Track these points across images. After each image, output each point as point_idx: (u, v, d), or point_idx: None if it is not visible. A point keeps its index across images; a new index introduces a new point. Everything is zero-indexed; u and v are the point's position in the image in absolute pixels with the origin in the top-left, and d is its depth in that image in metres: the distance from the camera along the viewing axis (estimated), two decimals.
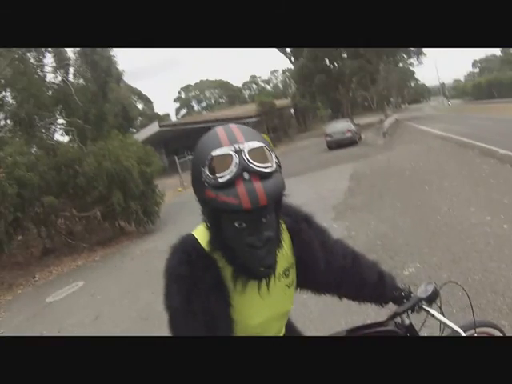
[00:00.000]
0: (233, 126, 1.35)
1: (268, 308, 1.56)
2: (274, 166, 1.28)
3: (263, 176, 1.23)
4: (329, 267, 1.70)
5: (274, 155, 1.31)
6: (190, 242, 1.47)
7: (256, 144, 1.27)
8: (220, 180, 1.21)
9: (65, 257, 12.64)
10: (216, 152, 1.24)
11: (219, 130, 1.34)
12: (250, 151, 1.24)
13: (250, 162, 1.22)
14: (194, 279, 1.38)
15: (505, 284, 4.84)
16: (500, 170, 10.98)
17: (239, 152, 1.23)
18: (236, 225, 1.30)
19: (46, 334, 6.75)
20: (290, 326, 1.93)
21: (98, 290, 8.66)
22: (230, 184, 1.21)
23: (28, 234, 13.21)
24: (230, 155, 1.23)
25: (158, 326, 5.85)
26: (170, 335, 1.44)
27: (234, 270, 1.42)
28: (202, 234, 1.46)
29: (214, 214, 1.32)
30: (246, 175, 1.21)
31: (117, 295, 7.93)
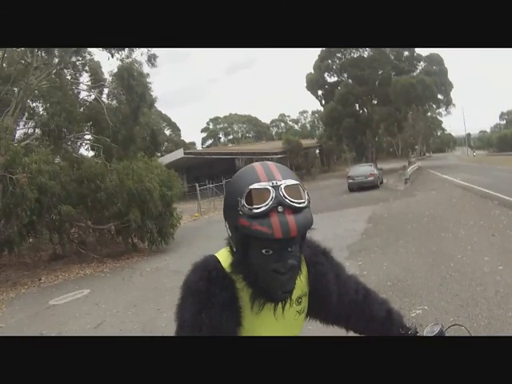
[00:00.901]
0: (270, 164, 1.45)
1: (277, 331, 1.61)
2: (306, 202, 1.37)
3: (295, 210, 1.32)
4: (340, 300, 1.76)
5: (306, 192, 1.40)
6: (211, 261, 1.54)
7: (292, 182, 1.36)
8: (256, 211, 1.30)
9: (73, 264, 12.70)
10: (254, 186, 1.34)
11: (257, 166, 1.44)
12: (286, 187, 1.33)
13: (285, 197, 1.31)
14: (209, 295, 1.43)
15: (510, 331, 4.81)
16: None
17: (276, 187, 1.32)
18: (263, 251, 1.38)
19: (44, 334, 6.77)
20: None
21: (103, 299, 8.66)
22: (265, 215, 1.29)
23: (40, 238, 13.34)
24: (267, 189, 1.32)
25: None
26: (168, 335, 1.50)
27: (252, 292, 1.49)
28: (224, 257, 1.54)
29: (244, 240, 1.40)
30: (280, 208, 1.30)
31: (122, 307, 7.93)
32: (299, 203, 1.33)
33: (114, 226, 13.72)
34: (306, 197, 1.39)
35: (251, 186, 1.34)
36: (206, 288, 1.45)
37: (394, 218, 14.52)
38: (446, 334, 1.96)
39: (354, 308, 1.80)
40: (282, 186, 1.33)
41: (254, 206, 1.30)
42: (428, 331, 1.90)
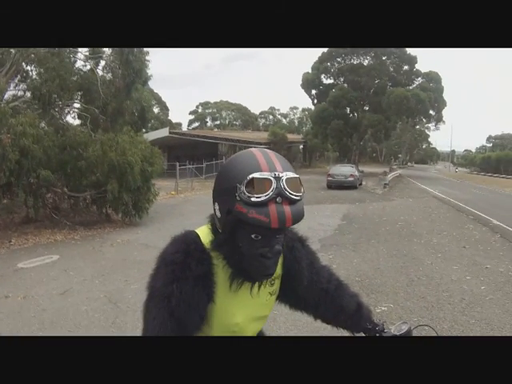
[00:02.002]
0: (269, 152, 1.48)
1: (249, 310, 1.65)
2: (302, 195, 1.42)
3: (291, 202, 1.36)
4: (311, 286, 1.82)
5: (302, 186, 1.44)
6: (191, 235, 1.57)
7: (292, 174, 1.40)
8: (255, 199, 1.33)
9: (45, 229, 12.46)
10: (256, 175, 1.35)
11: (257, 153, 1.47)
12: (287, 179, 1.37)
13: (285, 189, 1.35)
14: (184, 267, 1.46)
15: None
16: (489, 238, 11.14)
17: (278, 179, 1.36)
18: (252, 236, 1.43)
19: (10, 296, 6.62)
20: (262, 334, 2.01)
21: (72, 266, 8.50)
22: (264, 204, 1.33)
23: (14, 200, 13.03)
24: (269, 180, 1.35)
25: (125, 311, 5.81)
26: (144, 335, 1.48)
27: (232, 272, 1.52)
28: (204, 233, 1.57)
29: (235, 224, 1.42)
30: (278, 199, 1.34)
31: (89, 275, 7.79)
32: (297, 196, 1.38)
33: (90, 195, 13.58)
34: (303, 190, 1.43)
35: (253, 175, 1.36)
36: (182, 260, 1.47)
37: (369, 219, 14.65)
38: (414, 334, 1.95)
39: (324, 297, 1.87)
40: (284, 178, 1.37)
41: (255, 195, 1.33)
42: (396, 329, 1.93)
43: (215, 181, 1.51)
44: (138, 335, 1.47)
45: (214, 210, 1.49)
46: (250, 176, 1.35)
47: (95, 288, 7.02)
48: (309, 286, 1.81)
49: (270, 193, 1.33)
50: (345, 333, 1.96)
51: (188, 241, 1.53)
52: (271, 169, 1.38)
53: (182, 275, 1.45)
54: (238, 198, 1.36)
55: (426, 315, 5.57)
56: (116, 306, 6.13)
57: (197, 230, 1.60)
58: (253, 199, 1.33)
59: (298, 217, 1.39)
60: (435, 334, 2.11)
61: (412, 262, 8.49)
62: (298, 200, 1.39)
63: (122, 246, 10.64)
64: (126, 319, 5.52)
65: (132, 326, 5.22)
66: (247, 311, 1.65)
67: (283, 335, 1.62)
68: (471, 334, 4.93)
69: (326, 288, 1.87)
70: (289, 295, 1.84)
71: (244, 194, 1.34)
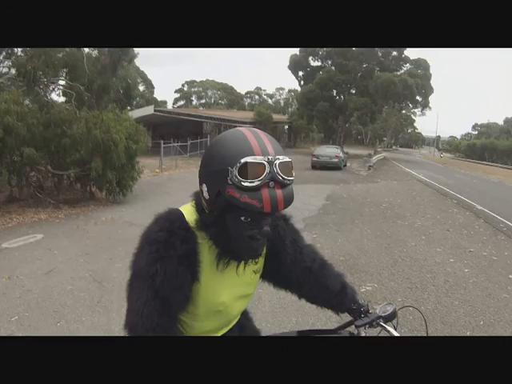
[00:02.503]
0: (260, 134, 1.45)
1: (234, 288, 1.66)
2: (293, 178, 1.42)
3: (283, 185, 1.36)
4: (294, 265, 1.84)
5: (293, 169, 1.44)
6: (175, 213, 1.55)
7: (285, 158, 1.39)
8: (248, 184, 1.32)
9: (29, 208, 12.24)
10: (249, 159, 1.33)
11: (248, 134, 1.42)
12: (280, 164, 1.36)
13: (278, 174, 1.34)
14: (168, 246, 1.44)
15: (454, 318, 4.95)
16: (473, 222, 11.25)
17: (271, 163, 1.34)
18: (242, 218, 1.43)
19: None
20: (245, 313, 2.03)
21: (56, 245, 8.38)
22: (256, 189, 1.32)
23: None
24: (263, 165, 1.33)
25: (110, 290, 5.76)
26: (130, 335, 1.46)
27: (219, 251, 1.53)
28: (188, 211, 1.56)
29: (225, 206, 1.40)
30: (271, 184, 1.33)
31: (74, 254, 7.70)
32: (289, 180, 1.38)
33: (74, 173, 13.39)
34: (293, 173, 1.43)
35: (246, 160, 1.33)
36: (166, 238, 1.45)
37: (353, 200, 14.70)
38: (399, 315, 2.00)
39: (308, 275, 1.88)
40: (277, 163, 1.35)
41: (248, 180, 1.32)
42: (382, 310, 1.96)
43: (203, 161, 1.49)
44: (141, 336, 1.43)
45: (202, 190, 1.47)
46: (243, 160, 1.33)
47: (80, 267, 6.94)
48: (292, 264, 1.83)
49: (263, 178, 1.32)
50: (336, 324, 1.96)
51: (172, 219, 1.51)
52: (264, 152, 1.36)
53: (166, 254, 1.43)
54: (229, 181, 1.34)
55: (411, 296, 5.62)
56: (101, 284, 6.08)
57: (180, 208, 1.59)
58: (246, 184, 1.32)
59: (289, 200, 1.39)
60: (420, 316, 2.12)
61: (396, 243, 8.56)
62: (290, 184, 1.39)
63: (107, 224, 10.54)
64: (112, 298, 5.48)
65: (117, 305, 5.18)
66: (232, 290, 1.65)
67: (283, 335, 1.62)
68: (454, 316, 5.01)
69: (310, 267, 1.88)
70: (272, 273, 1.85)
71: (237, 178, 1.32)
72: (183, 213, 1.54)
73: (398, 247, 8.26)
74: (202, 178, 1.47)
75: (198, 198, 1.55)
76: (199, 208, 1.53)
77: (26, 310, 5.24)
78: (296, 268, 1.84)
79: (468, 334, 4.54)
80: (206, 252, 1.53)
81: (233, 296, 1.67)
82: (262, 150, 1.36)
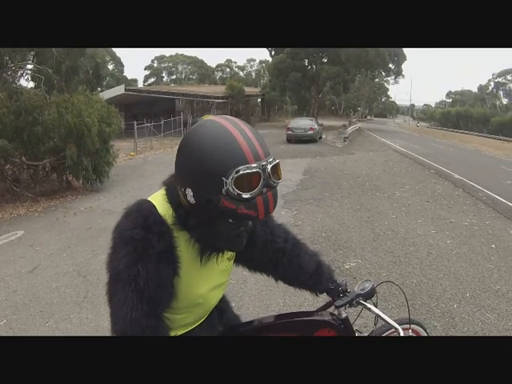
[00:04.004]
0: (247, 130, 1.34)
1: (212, 278, 1.63)
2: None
3: (273, 187, 1.33)
4: (266, 247, 1.82)
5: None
6: (147, 206, 1.45)
7: (274, 161, 1.34)
8: (245, 196, 1.26)
9: (7, 203, 12.02)
10: (245, 169, 1.26)
11: (234, 132, 1.32)
12: (272, 168, 1.31)
13: (272, 180, 1.30)
14: (145, 244, 1.36)
15: (440, 291, 5.01)
16: (452, 192, 11.38)
17: (264, 170, 1.28)
18: (230, 221, 1.37)
19: None
20: (224, 300, 2.01)
21: (38, 241, 8.26)
22: (252, 198, 1.28)
23: None
24: (258, 174, 1.27)
25: (96, 284, 5.70)
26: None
27: (201, 247, 1.49)
28: (158, 201, 1.46)
29: (215, 213, 1.34)
30: (264, 190, 1.29)
31: (56, 249, 7.60)
32: (279, 181, 1.35)
33: (50, 162, 13.11)
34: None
35: (241, 171, 1.26)
36: (142, 236, 1.36)
37: (330, 173, 14.77)
38: (377, 290, 1.97)
39: (281, 257, 1.87)
40: (269, 167, 1.30)
41: (246, 192, 1.27)
42: (359, 288, 1.97)
43: (183, 161, 1.37)
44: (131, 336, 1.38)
45: (185, 194, 1.36)
46: (240, 172, 1.25)
47: (63, 262, 6.86)
48: (264, 246, 1.81)
49: (259, 188, 1.27)
50: (322, 303, 1.91)
51: (145, 214, 1.41)
52: (255, 156, 1.29)
53: (145, 253, 1.35)
54: (224, 192, 1.27)
55: (395, 270, 5.68)
56: (86, 279, 6.03)
57: (150, 199, 1.49)
58: (245, 196, 1.26)
59: (277, 200, 1.36)
60: (399, 290, 2.13)
61: (377, 217, 8.63)
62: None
63: (86, 214, 10.43)
64: (98, 292, 5.41)
65: (104, 299, 5.07)
66: (210, 280, 1.63)
67: (282, 335, 1.63)
68: (440, 288, 5.08)
69: (283, 248, 1.86)
70: (245, 257, 1.82)
71: (233, 190, 1.26)
72: (155, 205, 1.45)
73: (378, 220, 8.32)
74: (185, 182, 1.36)
75: (170, 190, 1.47)
76: (174, 203, 1.44)
77: (13, 312, 5.17)
78: (268, 250, 1.83)
79: (455, 306, 4.61)
80: (184, 246, 1.46)
81: (210, 287, 1.64)
82: (253, 153, 1.29)
